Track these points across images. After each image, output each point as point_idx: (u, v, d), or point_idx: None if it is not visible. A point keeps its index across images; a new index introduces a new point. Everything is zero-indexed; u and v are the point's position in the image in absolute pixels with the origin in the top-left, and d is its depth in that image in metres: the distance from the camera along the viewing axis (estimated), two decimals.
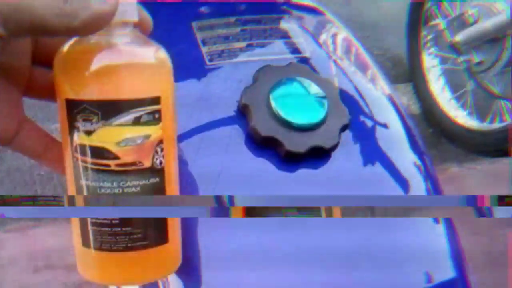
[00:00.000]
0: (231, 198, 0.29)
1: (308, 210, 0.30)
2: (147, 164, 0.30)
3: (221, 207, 0.29)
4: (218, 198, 0.29)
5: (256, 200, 0.30)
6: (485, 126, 1.56)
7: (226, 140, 0.40)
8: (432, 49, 1.75)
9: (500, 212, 0.29)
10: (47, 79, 0.32)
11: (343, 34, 0.54)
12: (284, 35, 0.49)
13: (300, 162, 0.40)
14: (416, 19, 1.74)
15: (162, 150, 0.31)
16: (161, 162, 0.31)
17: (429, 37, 1.73)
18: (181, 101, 0.34)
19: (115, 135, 0.29)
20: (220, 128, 0.41)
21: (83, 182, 0.30)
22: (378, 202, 0.31)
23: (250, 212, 0.29)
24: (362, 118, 0.44)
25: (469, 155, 1.62)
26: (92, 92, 0.28)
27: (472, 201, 0.29)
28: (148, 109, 0.29)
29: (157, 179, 0.31)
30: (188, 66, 0.45)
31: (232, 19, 0.49)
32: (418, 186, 0.43)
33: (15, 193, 1.36)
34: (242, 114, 0.41)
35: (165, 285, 0.37)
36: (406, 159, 0.44)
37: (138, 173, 0.30)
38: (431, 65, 1.75)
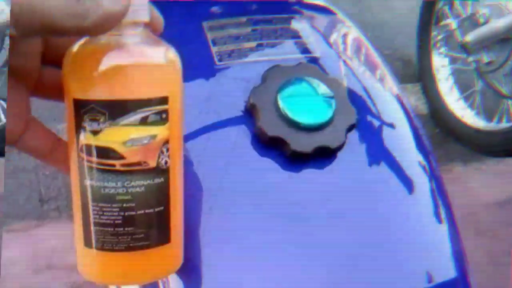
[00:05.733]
0: None
1: None
2: (152, 164, 0.30)
3: None
4: None
5: None
6: (492, 126, 1.55)
7: (233, 140, 0.40)
8: (442, 49, 1.73)
9: None
10: (56, 79, 0.32)
11: (353, 34, 0.53)
12: (295, 35, 0.48)
13: (305, 162, 0.40)
14: (428, 18, 1.73)
15: (167, 150, 0.30)
16: (166, 162, 0.30)
17: (439, 37, 1.72)
18: (189, 101, 0.34)
19: (121, 135, 0.29)
20: (227, 128, 0.41)
21: (88, 182, 0.30)
22: None
23: None
24: (369, 118, 0.44)
25: (475, 155, 1.62)
26: (100, 92, 0.28)
27: None
28: (156, 109, 0.29)
29: (162, 179, 0.30)
30: (197, 66, 0.45)
31: (243, 19, 0.49)
32: (423, 186, 0.43)
33: (19, 193, 1.36)
34: (250, 114, 0.41)
35: (165, 285, 0.37)
36: (412, 160, 0.44)
37: (142, 173, 0.30)
38: (441, 64, 1.74)
